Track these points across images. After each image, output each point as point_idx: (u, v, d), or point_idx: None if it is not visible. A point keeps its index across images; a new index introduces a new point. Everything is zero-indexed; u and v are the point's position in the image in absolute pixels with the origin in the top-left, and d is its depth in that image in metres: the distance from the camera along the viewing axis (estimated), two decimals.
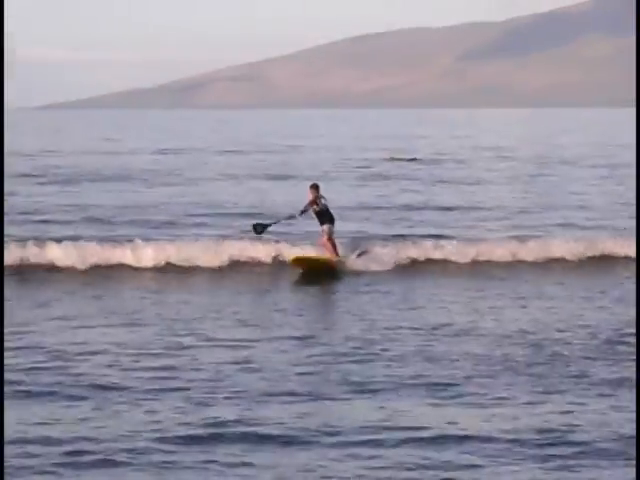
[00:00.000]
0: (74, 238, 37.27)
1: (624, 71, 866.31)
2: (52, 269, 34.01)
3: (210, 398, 17.90)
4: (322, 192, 35.91)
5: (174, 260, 34.57)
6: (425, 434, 15.88)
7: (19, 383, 18.62)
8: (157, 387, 18.69)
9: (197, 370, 20.09)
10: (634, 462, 15.10)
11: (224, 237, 36.82)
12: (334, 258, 32.67)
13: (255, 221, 34.70)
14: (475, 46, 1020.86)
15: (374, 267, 33.08)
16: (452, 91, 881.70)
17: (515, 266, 35.62)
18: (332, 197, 52.27)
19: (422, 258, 35.46)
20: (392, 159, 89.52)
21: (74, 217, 47.23)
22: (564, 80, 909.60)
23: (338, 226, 36.07)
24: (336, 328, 25.54)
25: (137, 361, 20.75)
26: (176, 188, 63.52)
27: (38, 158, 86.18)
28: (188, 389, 18.52)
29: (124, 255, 34.17)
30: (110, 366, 20.13)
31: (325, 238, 32.52)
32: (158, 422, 16.78)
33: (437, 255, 36.17)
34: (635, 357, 19.92)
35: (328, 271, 33.12)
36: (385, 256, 34.03)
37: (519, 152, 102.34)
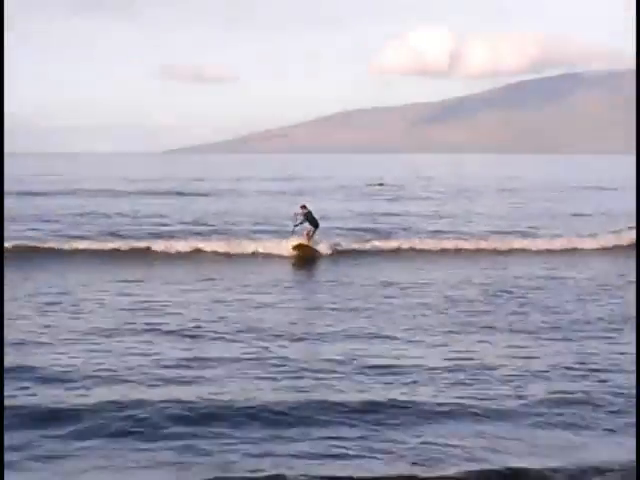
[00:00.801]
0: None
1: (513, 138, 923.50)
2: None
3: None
4: (323, 204, 44.57)
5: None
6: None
7: None
8: None
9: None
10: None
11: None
12: (309, 244, 37.55)
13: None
14: (420, 117, 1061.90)
15: (324, 251, 37.73)
16: (405, 143, 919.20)
17: (426, 253, 38.75)
18: (333, 205, 60.36)
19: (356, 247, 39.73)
20: (368, 185, 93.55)
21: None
22: (471, 138, 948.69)
23: (325, 223, 41.51)
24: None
25: None
26: None
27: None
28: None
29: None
30: None
31: (306, 233, 37.49)
32: None
33: (367, 246, 40.02)
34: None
35: (307, 252, 37.38)
36: (327, 246, 38.56)
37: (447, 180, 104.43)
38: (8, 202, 51.02)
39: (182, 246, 38.94)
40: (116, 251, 38.31)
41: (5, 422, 13.21)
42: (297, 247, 37.26)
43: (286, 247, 37.52)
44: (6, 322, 20.60)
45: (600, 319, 22.75)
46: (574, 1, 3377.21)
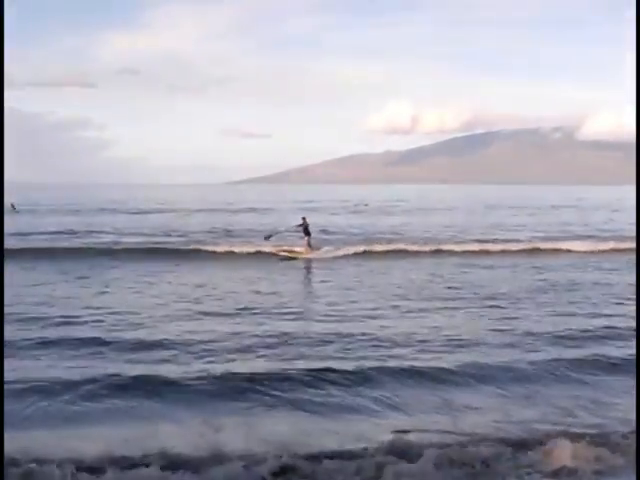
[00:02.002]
0: None
1: (453, 174, 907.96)
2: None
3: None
4: (323, 218, 42.36)
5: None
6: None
7: None
8: None
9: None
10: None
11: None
12: (308, 252, 32.19)
13: (267, 234, 34.68)
14: (393, 160, 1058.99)
15: (325, 255, 32.49)
16: (382, 178, 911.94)
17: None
18: (332, 220, 57.98)
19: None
20: (355, 205, 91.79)
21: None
22: (426, 174, 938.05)
23: (322, 234, 39.99)
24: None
25: None
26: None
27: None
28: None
29: None
30: None
31: (305, 241, 32.41)
32: None
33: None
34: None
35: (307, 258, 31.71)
36: (328, 252, 33.43)
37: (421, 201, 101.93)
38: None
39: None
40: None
41: None
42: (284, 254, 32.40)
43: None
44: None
45: None
46: (493, 84, 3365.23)
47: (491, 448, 8.62)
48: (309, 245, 32.59)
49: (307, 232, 32.57)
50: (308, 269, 28.84)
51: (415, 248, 36.18)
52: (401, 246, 36.51)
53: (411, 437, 9.11)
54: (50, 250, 32.47)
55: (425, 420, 9.94)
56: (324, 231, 44.71)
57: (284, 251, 32.45)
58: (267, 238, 34.02)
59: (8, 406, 9.50)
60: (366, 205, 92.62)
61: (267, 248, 33.50)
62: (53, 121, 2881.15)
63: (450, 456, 8.31)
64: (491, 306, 19.20)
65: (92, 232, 44.28)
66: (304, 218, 33.38)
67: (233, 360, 13.00)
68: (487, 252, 35.55)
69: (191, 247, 35.14)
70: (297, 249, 32.54)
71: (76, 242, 37.42)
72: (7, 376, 10.79)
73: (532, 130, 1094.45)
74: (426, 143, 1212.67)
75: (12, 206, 74.47)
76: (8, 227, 45.97)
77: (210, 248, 34.54)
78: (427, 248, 36.05)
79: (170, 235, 41.90)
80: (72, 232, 43.77)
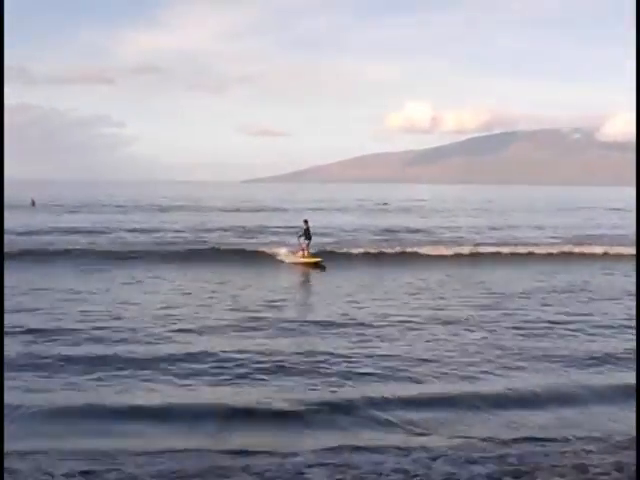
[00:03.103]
0: None
1: (470, 174, 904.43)
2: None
3: None
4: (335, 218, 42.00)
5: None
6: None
7: None
8: None
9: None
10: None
11: None
12: (306, 257, 29.70)
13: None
14: (412, 159, 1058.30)
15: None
16: (402, 177, 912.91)
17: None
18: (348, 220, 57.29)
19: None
20: (376, 204, 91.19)
21: None
22: (444, 174, 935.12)
23: (325, 239, 37.59)
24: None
25: None
26: None
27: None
28: None
29: None
30: None
31: (305, 245, 29.92)
32: None
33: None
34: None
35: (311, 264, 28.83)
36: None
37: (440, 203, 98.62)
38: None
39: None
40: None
41: None
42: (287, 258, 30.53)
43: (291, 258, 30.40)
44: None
45: None
46: (511, 85, 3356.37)
47: None
48: (306, 249, 30.27)
49: (308, 236, 30.31)
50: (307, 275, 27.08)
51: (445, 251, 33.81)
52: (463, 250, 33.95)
53: None
54: (93, 252, 30.93)
55: None
56: (339, 232, 44.04)
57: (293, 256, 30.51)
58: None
59: None
60: (385, 204, 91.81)
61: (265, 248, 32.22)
62: (73, 118, 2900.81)
63: None
64: None
65: (129, 230, 43.85)
66: (306, 221, 30.98)
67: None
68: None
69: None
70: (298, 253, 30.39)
71: (117, 242, 36.02)
72: None
73: (551, 130, 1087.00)
74: (445, 143, 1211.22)
75: (32, 202, 74.80)
76: (30, 222, 46.86)
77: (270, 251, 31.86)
78: (465, 250, 34.05)
79: (203, 237, 40.00)
80: (110, 230, 43.36)
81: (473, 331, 15.69)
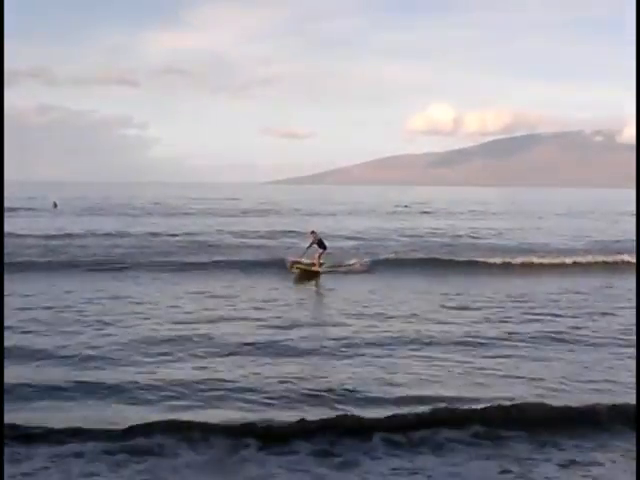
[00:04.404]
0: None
1: (493, 177, 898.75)
2: None
3: None
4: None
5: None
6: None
7: None
8: None
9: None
10: None
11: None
12: (316, 267, 28.12)
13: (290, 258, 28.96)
14: (433, 161, 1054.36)
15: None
16: (423, 180, 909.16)
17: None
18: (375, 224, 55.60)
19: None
20: (396, 206, 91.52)
21: None
22: (466, 176, 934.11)
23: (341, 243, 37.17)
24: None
25: None
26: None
27: None
28: None
29: None
30: None
31: (317, 255, 28.33)
32: None
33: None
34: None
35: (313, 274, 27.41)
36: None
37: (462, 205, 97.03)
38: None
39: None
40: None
41: None
42: (295, 267, 28.44)
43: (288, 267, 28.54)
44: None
45: None
46: (531, 86, 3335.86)
47: None
48: (318, 260, 28.66)
49: (322, 245, 28.81)
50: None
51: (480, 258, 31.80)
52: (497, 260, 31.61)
53: None
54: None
55: None
56: (358, 238, 43.02)
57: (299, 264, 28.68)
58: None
59: None
60: (405, 207, 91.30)
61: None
62: (96, 119, 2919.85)
63: None
64: None
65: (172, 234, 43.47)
66: (313, 232, 29.38)
67: None
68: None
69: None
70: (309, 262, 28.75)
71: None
72: None
73: (574, 133, 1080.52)
74: (467, 145, 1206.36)
75: (54, 204, 75.24)
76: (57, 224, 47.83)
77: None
78: (519, 260, 31.66)
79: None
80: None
81: None
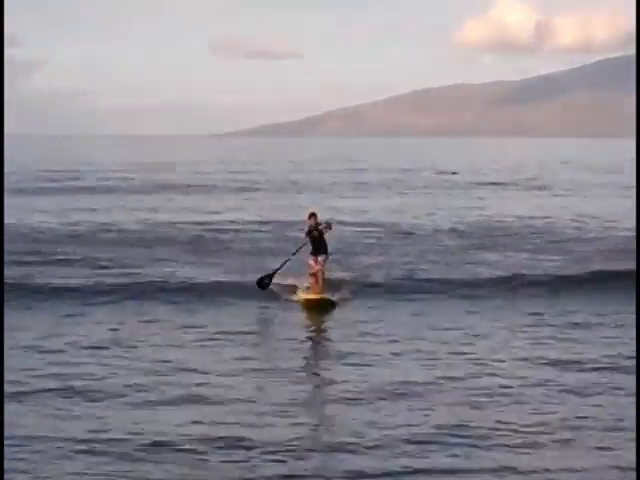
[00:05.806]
0: None
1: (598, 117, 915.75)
2: None
3: None
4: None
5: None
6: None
7: None
8: None
9: None
10: None
11: None
12: (317, 294, 25.63)
13: (259, 276, 26.26)
14: (500, 97, 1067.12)
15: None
16: (483, 126, 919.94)
17: None
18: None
19: None
20: (439, 173, 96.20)
21: None
22: (556, 121, 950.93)
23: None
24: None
25: None
26: None
27: None
28: None
29: None
30: None
31: (318, 268, 25.92)
32: None
33: None
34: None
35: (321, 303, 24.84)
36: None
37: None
38: None
39: None
40: None
41: None
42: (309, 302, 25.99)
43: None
44: None
45: None
46: None
47: None
48: (322, 277, 26.48)
49: (322, 244, 26.55)
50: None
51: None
52: None
53: None
54: None
55: None
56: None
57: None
58: (266, 284, 26.95)
59: None
60: (455, 173, 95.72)
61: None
62: None
63: None
64: None
65: None
66: (313, 216, 26.53)
67: None
68: None
69: None
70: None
71: None
72: None
73: None
74: (558, 69, 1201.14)
75: None
76: None
77: None
78: None
79: None
80: None
81: None
